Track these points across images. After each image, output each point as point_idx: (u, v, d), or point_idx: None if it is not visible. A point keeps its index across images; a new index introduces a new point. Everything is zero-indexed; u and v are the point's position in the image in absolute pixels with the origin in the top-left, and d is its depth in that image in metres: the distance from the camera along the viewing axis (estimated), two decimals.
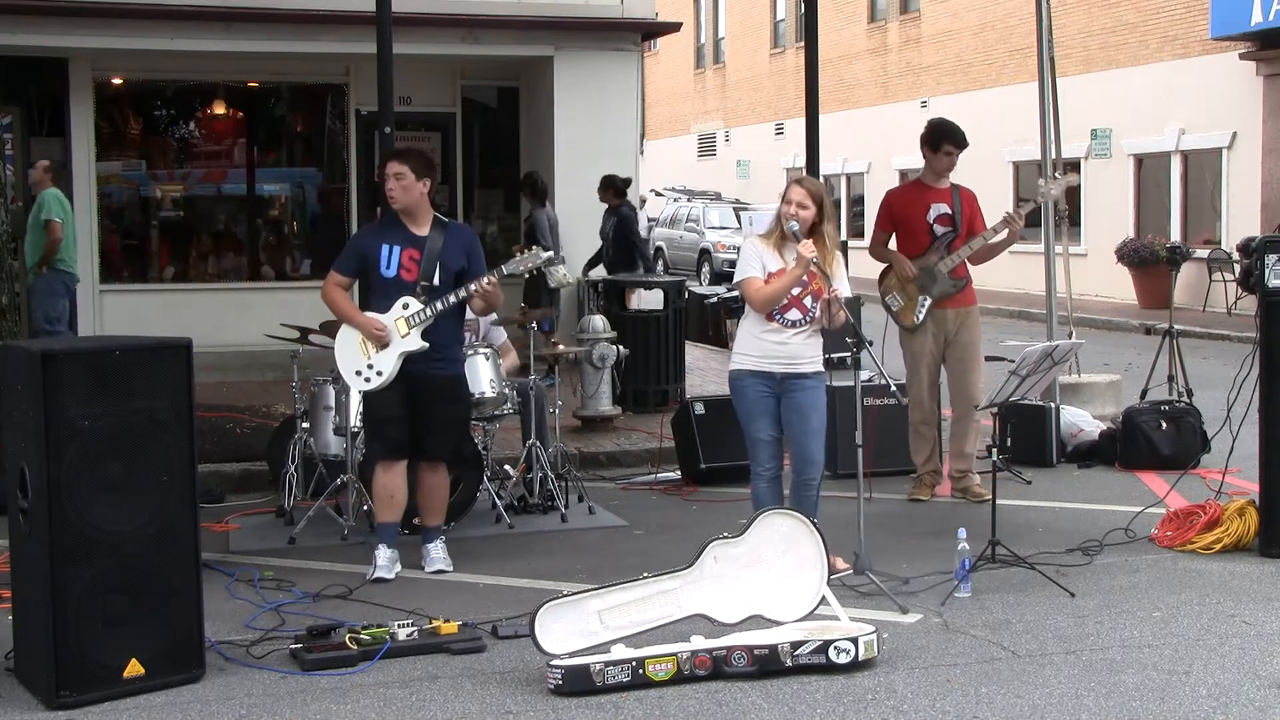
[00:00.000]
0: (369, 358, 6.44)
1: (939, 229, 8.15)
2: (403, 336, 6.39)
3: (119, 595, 4.91)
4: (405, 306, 6.39)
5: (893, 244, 8.32)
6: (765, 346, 6.39)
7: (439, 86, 15.19)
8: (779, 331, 6.38)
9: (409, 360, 6.41)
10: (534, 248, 6.62)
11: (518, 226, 15.43)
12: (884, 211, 8.42)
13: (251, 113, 15.55)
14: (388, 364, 6.41)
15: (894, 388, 6.60)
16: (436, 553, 6.68)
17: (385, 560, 6.51)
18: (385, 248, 6.46)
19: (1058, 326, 9.95)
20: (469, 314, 8.03)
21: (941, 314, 8.17)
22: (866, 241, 8.68)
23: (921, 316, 8.16)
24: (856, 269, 8.16)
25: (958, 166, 8.26)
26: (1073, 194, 21.50)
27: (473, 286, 6.38)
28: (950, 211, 8.16)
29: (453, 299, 6.40)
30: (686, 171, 38.21)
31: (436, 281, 6.42)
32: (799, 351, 6.40)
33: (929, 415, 8.29)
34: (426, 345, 6.38)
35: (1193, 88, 21.01)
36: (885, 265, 8.33)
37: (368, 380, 6.46)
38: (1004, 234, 8.03)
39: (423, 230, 6.50)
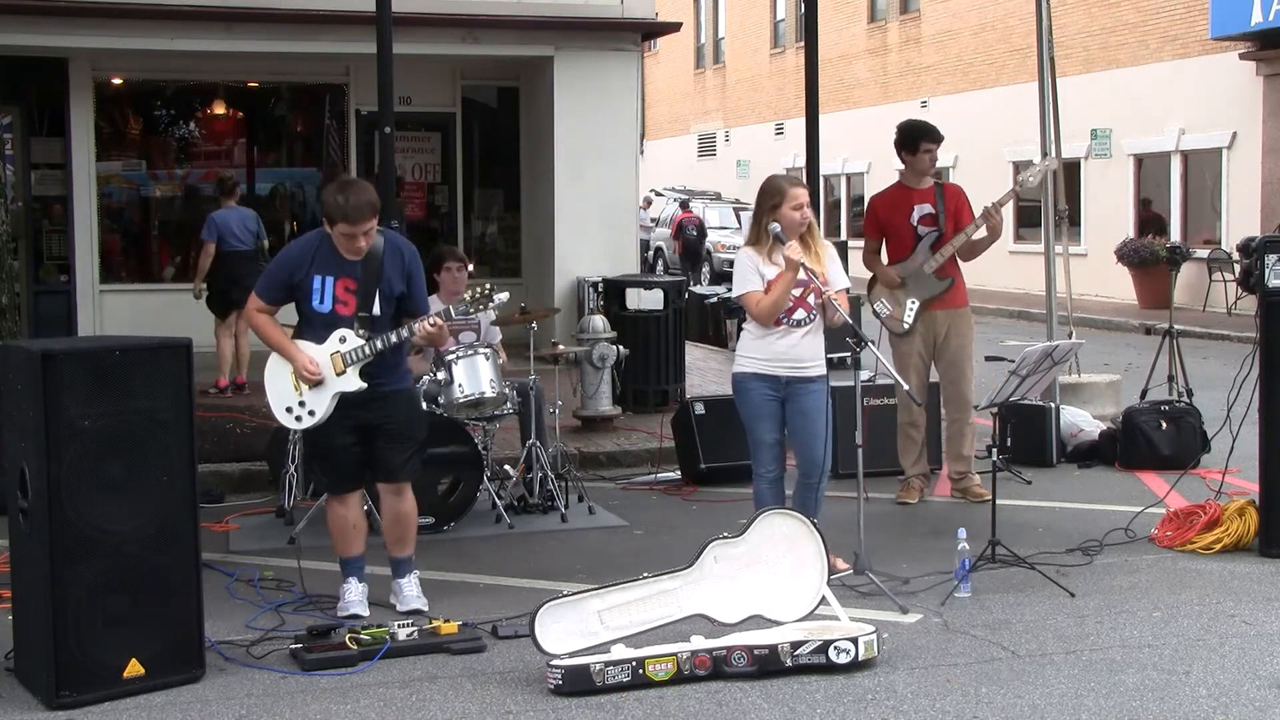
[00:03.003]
0: (301, 394, 5.77)
1: (923, 229, 8.10)
2: (338, 374, 5.74)
3: (119, 595, 4.91)
4: (342, 341, 5.73)
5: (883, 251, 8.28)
6: (773, 350, 6.36)
7: (439, 86, 15.19)
8: (787, 334, 6.35)
9: None
10: (488, 286, 5.93)
11: (518, 227, 15.43)
12: (871, 219, 8.36)
13: (251, 113, 15.55)
14: (321, 404, 5.75)
15: (907, 388, 6.59)
16: (410, 590, 5.99)
17: (358, 594, 5.90)
18: (317, 279, 5.76)
19: (1058, 326, 9.94)
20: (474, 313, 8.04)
21: (931, 316, 8.11)
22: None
23: (911, 320, 8.12)
24: (856, 269, 8.16)
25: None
26: (1072, 194, 21.55)
27: (416, 327, 5.74)
28: (934, 211, 8.10)
29: (393, 339, 5.74)
30: (686, 171, 38.19)
31: (376, 310, 5.78)
32: (806, 353, 6.37)
33: (917, 418, 8.20)
34: (364, 386, 5.73)
35: (1193, 88, 21.01)
36: (873, 273, 8.25)
37: (299, 419, 5.80)
38: (983, 229, 7.98)
39: (356, 255, 5.79)
